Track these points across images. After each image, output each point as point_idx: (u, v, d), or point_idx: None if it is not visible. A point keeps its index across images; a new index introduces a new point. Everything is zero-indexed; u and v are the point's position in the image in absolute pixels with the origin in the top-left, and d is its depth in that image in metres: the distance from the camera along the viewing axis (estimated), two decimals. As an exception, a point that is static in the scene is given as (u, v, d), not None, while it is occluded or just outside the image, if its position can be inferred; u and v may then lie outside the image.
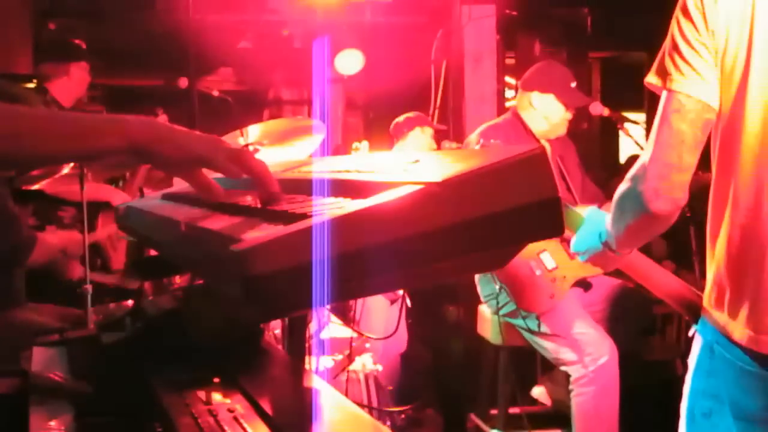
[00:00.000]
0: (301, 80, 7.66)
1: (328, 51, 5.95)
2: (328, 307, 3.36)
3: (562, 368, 3.63)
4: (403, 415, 3.90)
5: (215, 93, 5.29)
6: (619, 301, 3.85)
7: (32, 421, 1.40)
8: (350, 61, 6.33)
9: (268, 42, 7.00)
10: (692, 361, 1.87)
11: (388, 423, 3.73)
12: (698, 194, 1.87)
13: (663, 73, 1.76)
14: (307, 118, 6.34)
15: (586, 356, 3.48)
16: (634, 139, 4.01)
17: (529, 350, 3.84)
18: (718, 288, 1.79)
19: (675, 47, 1.74)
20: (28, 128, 1.11)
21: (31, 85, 4.34)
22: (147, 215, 1.54)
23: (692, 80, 1.71)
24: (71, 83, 4.22)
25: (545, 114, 3.88)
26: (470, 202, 0.88)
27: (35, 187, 3.58)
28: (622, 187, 1.83)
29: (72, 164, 3.36)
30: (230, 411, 1.27)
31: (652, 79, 1.78)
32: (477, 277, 3.86)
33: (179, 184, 1.97)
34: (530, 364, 4.40)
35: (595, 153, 7.20)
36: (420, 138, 4.98)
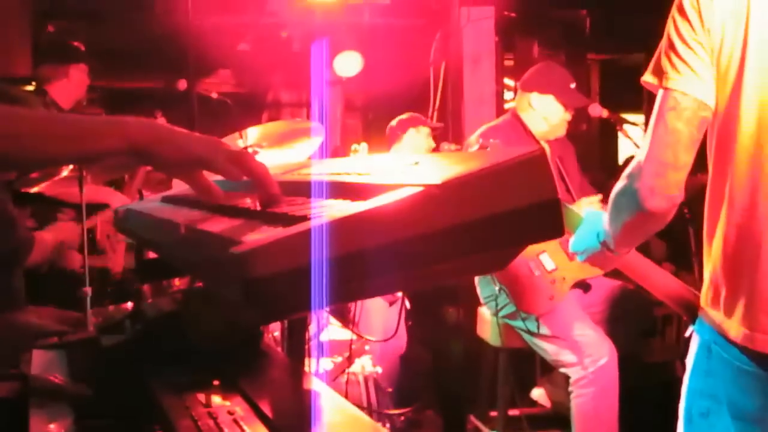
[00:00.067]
0: (300, 82, 7.66)
1: (327, 53, 5.95)
2: (328, 309, 3.36)
3: (562, 370, 3.63)
4: (402, 417, 3.91)
5: (214, 95, 5.29)
6: (619, 302, 3.85)
7: (32, 424, 1.39)
8: (349, 63, 6.33)
9: (266, 44, 7.00)
10: (690, 361, 1.87)
11: (388, 425, 3.74)
12: (697, 196, 1.87)
13: (659, 72, 1.77)
14: (306, 120, 6.33)
15: (585, 358, 3.48)
16: (633, 141, 4.01)
17: (528, 352, 3.84)
18: (714, 287, 1.80)
19: (671, 46, 1.75)
20: (28, 130, 1.11)
21: (30, 88, 4.34)
22: (146, 217, 1.54)
23: (688, 78, 1.72)
24: (70, 85, 4.22)
25: (545, 115, 3.89)
26: (470, 204, 0.88)
27: (34, 189, 3.58)
28: (619, 185, 1.84)
29: (71, 167, 3.36)
30: (230, 413, 1.27)
31: (648, 78, 1.80)
32: (477, 278, 3.86)
33: (178, 187, 1.97)
34: (530, 365, 4.40)
35: (594, 154, 7.20)
36: (415, 139, 4.99)
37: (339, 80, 6.87)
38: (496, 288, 3.62)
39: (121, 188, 4.75)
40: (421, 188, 0.87)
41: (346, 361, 3.69)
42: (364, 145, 4.69)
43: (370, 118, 7.81)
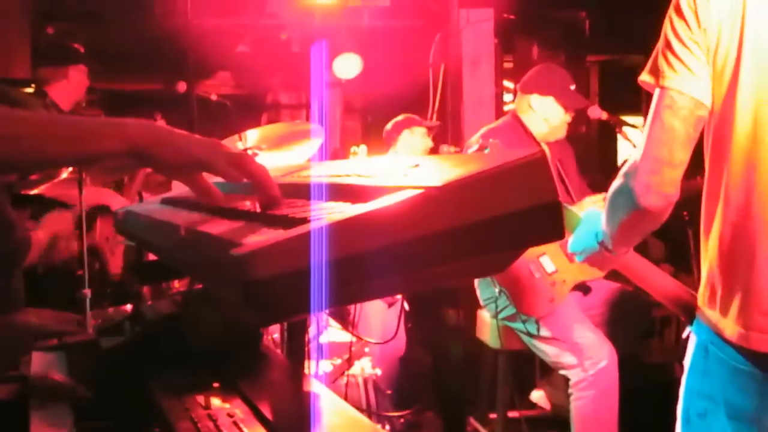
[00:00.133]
0: (300, 84, 7.66)
1: (326, 55, 5.95)
2: (327, 311, 3.36)
3: (562, 372, 3.62)
4: (402, 419, 3.91)
5: (213, 97, 5.30)
6: (618, 304, 3.85)
7: (33, 427, 1.39)
8: (348, 65, 6.33)
9: (266, 46, 7.00)
10: (687, 361, 1.88)
11: (388, 427, 3.73)
12: (696, 198, 1.88)
13: (656, 71, 1.78)
14: (306, 122, 6.33)
15: (586, 360, 3.48)
16: (632, 143, 4.01)
17: (528, 354, 3.84)
18: (710, 286, 1.80)
19: (668, 45, 1.76)
20: (27, 132, 1.11)
21: (30, 90, 4.34)
22: (146, 219, 1.54)
23: (684, 77, 1.73)
24: (70, 86, 4.22)
25: (545, 116, 3.89)
26: (470, 206, 0.88)
27: (34, 191, 3.58)
28: (615, 183, 1.85)
29: (71, 169, 3.36)
30: (230, 415, 1.27)
31: (645, 77, 1.81)
32: (476, 280, 3.85)
33: (178, 189, 1.97)
34: (529, 367, 4.39)
35: (594, 156, 7.20)
36: (410, 140, 4.99)
37: (338, 82, 6.87)
38: (496, 290, 3.62)
39: (120, 190, 4.75)
40: (421, 190, 0.87)
41: (346, 363, 3.70)
42: (363, 147, 4.69)
43: (370, 120, 7.81)
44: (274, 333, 3.28)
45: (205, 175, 1.13)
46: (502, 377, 3.87)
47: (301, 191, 1.15)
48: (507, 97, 6.96)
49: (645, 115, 7.01)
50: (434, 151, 5.03)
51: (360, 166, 1.25)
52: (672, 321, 5.02)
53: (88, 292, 3.31)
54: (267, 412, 1.25)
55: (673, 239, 4.61)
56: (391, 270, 0.86)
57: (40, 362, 1.76)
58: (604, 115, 3.83)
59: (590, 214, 2.09)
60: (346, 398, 3.42)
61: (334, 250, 0.83)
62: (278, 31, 6.75)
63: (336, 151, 7.18)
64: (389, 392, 3.99)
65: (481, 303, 3.87)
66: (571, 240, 2.13)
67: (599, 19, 6.78)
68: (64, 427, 1.39)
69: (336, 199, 1.02)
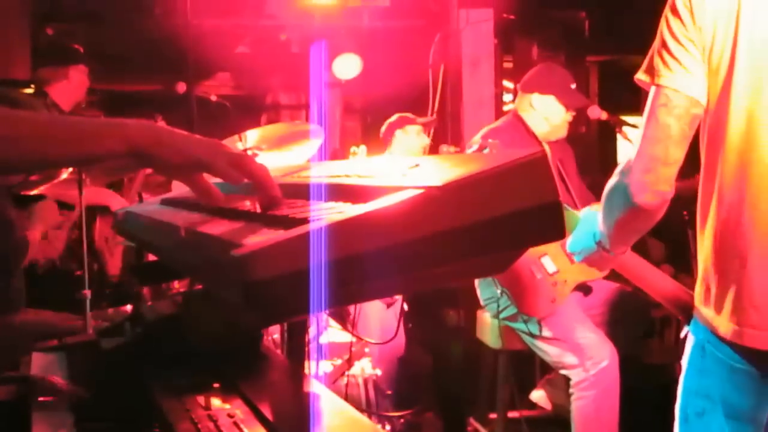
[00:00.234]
0: (299, 85, 7.66)
1: (326, 55, 5.95)
2: (327, 311, 3.36)
3: (563, 372, 3.62)
4: (402, 420, 3.90)
5: (213, 98, 5.29)
6: (618, 304, 3.85)
7: (34, 427, 1.39)
8: (348, 66, 6.33)
9: (265, 47, 7.00)
10: (685, 361, 1.89)
11: (388, 427, 3.73)
12: (695, 197, 1.88)
13: (651, 70, 1.79)
14: (305, 122, 6.33)
15: (587, 360, 3.48)
16: (632, 143, 4.00)
17: (528, 354, 3.84)
18: (705, 284, 1.81)
19: (663, 44, 1.77)
20: (28, 132, 1.11)
21: (30, 90, 4.34)
22: (146, 220, 1.54)
23: (679, 75, 1.74)
24: (70, 86, 4.22)
25: (546, 115, 3.89)
26: (471, 206, 0.88)
27: (34, 192, 3.58)
28: (611, 181, 1.86)
29: (71, 169, 3.36)
30: (230, 416, 1.27)
31: (641, 75, 1.82)
32: (477, 280, 3.85)
33: (178, 189, 1.97)
34: (529, 367, 4.39)
35: (593, 157, 7.19)
36: (405, 139, 5.00)
37: (338, 83, 6.87)
38: (498, 291, 3.62)
39: (120, 191, 4.75)
40: (421, 190, 0.87)
41: (346, 364, 3.70)
42: (363, 148, 4.69)
43: (369, 120, 7.81)
44: (274, 333, 3.28)
45: (206, 175, 1.13)
46: (503, 377, 3.87)
47: (301, 192, 1.15)
48: (507, 97, 6.96)
49: (645, 115, 7.00)
50: (434, 149, 5.02)
51: (360, 166, 1.25)
52: (672, 321, 5.02)
53: (88, 292, 3.31)
54: (267, 413, 1.25)
55: (673, 239, 4.61)
56: (391, 270, 0.86)
57: (40, 363, 1.76)
58: (604, 115, 3.83)
59: (588, 215, 2.09)
60: (346, 399, 3.42)
61: (334, 251, 0.83)
62: (278, 32, 6.75)
63: (335, 151, 7.18)
64: (389, 392, 3.99)
65: (482, 303, 3.87)
66: (570, 240, 2.13)
67: (599, 19, 6.78)
68: (64, 428, 1.39)
69: (336, 199, 1.02)
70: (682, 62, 1.74)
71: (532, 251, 3.48)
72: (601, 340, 3.53)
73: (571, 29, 6.89)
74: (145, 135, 1.10)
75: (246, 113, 6.94)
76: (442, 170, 0.96)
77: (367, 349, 3.96)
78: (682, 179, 1.81)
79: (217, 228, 1.06)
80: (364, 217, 0.85)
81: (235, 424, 1.23)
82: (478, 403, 4.26)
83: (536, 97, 3.89)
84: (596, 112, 3.85)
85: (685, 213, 3.51)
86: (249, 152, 3.31)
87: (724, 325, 1.75)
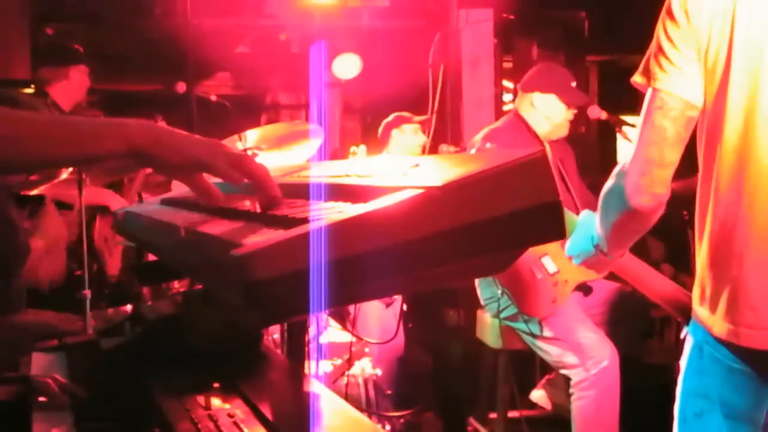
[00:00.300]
0: (299, 84, 7.66)
1: (326, 55, 5.95)
2: (327, 311, 3.36)
3: (563, 371, 3.62)
4: (402, 420, 3.90)
5: (213, 98, 5.29)
6: (618, 304, 3.85)
7: (34, 427, 1.40)
8: (348, 66, 6.33)
9: (265, 46, 7.00)
10: (683, 361, 1.89)
11: (388, 427, 3.73)
12: (696, 198, 1.88)
13: (647, 73, 1.80)
14: (305, 122, 6.33)
15: (587, 360, 3.48)
16: (632, 143, 4.00)
17: (528, 353, 3.84)
18: (701, 284, 1.82)
19: (659, 47, 1.78)
20: (28, 132, 1.11)
21: (30, 90, 4.33)
22: (146, 220, 1.53)
23: (675, 78, 1.75)
24: (71, 86, 4.22)
25: (547, 114, 3.89)
26: (471, 206, 0.88)
27: (34, 192, 3.58)
28: (607, 184, 1.87)
29: (71, 169, 3.36)
30: (230, 416, 1.27)
31: (637, 78, 1.84)
32: (477, 280, 3.85)
33: (177, 189, 1.97)
34: (529, 367, 4.39)
35: (593, 157, 7.19)
36: (401, 138, 5.00)
37: (338, 82, 6.87)
38: (498, 291, 3.62)
39: (120, 191, 4.75)
40: (421, 190, 0.87)
41: (346, 364, 3.70)
42: (362, 147, 4.69)
43: (369, 120, 7.81)
44: (274, 333, 3.28)
45: (205, 175, 1.13)
46: (503, 377, 3.86)
47: (301, 191, 1.15)
48: (506, 97, 6.96)
49: (644, 115, 6.99)
50: (433, 149, 5.02)
51: (360, 166, 1.25)
52: (672, 321, 5.02)
53: (88, 293, 3.30)
54: (267, 413, 1.25)
55: (674, 239, 4.60)
56: (391, 270, 0.86)
57: (40, 363, 1.76)
58: (604, 115, 3.83)
59: (586, 218, 2.09)
60: (346, 399, 3.42)
61: (334, 251, 0.83)
62: (277, 32, 6.75)
63: (335, 151, 7.18)
64: (389, 392, 3.99)
65: (482, 303, 3.87)
66: (568, 244, 2.14)
67: (599, 19, 6.77)
68: (64, 428, 1.39)
69: (336, 199, 1.02)
70: (677, 65, 1.75)
71: (533, 251, 3.49)
72: (602, 340, 3.53)
73: (570, 29, 6.89)
74: (145, 135, 1.10)
75: (246, 113, 6.93)
76: (442, 170, 0.96)
77: (367, 349, 3.96)
78: (682, 179, 1.82)
79: (217, 228, 1.06)
80: (364, 217, 0.85)
81: (235, 424, 1.23)
82: (478, 403, 4.26)
83: (537, 96, 3.89)
84: (596, 112, 3.85)
85: (685, 213, 3.50)
86: (249, 152, 3.30)
87: (719, 325, 1.75)
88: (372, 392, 3.77)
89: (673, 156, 1.77)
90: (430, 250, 0.87)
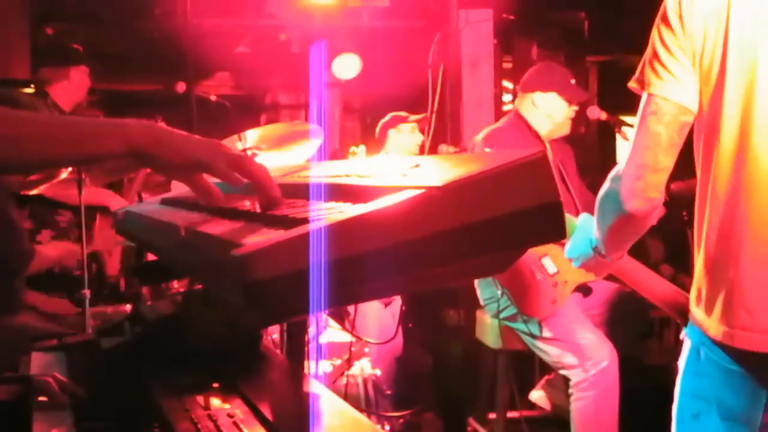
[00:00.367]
0: (299, 85, 7.66)
1: (326, 55, 5.95)
2: (327, 311, 3.36)
3: (562, 372, 3.62)
4: (402, 420, 3.90)
5: (213, 98, 5.29)
6: (617, 305, 3.85)
7: (35, 427, 1.39)
8: (347, 66, 6.33)
9: (265, 46, 7.00)
10: (681, 362, 1.90)
11: (388, 427, 3.73)
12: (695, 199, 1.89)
13: (643, 78, 1.82)
14: (305, 122, 6.33)
15: (587, 360, 3.48)
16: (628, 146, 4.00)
17: (527, 354, 3.84)
18: (698, 286, 1.82)
19: (654, 53, 1.80)
20: (28, 132, 1.11)
21: (30, 90, 4.33)
22: (146, 220, 1.53)
23: (669, 84, 1.76)
24: (71, 87, 4.22)
25: (549, 113, 3.90)
26: (471, 206, 0.88)
27: (33, 192, 3.58)
28: (603, 188, 1.88)
29: (70, 169, 3.36)
30: (230, 416, 1.27)
31: (633, 83, 1.86)
32: (477, 280, 3.85)
33: (177, 189, 1.97)
34: (529, 368, 4.39)
35: (593, 157, 7.20)
36: (398, 138, 5.01)
37: (337, 83, 6.87)
38: (498, 291, 3.62)
39: (120, 191, 4.75)
40: (421, 191, 0.87)
41: (346, 364, 3.70)
42: (362, 148, 4.69)
43: (369, 120, 7.80)
44: (273, 333, 3.28)
45: (205, 175, 1.13)
46: (502, 377, 3.87)
47: (301, 192, 1.15)
48: (506, 97, 6.96)
49: (644, 115, 6.99)
50: (433, 149, 5.02)
51: (360, 166, 1.25)
52: (671, 322, 5.02)
53: (87, 292, 3.30)
54: (267, 413, 1.25)
55: (673, 240, 4.60)
56: (391, 270, 0.86)
57: (40, 363, 1.76)
58: (604, 116, 3.83)
59: (585, 221, 2.10)
60: (345, 399, 3.42)
61: (334, 251, 0.83)
62: (277, 32, 6.75)
63: (335, 151, 7.18)
64: (389, 392, 4.00)
65: (482, 303, 3.87)
66: (567, 246, 2.14)
67: (598, 19, 6.77)
68: (64, 428, 1.39)
69: (336, 199, 1.02)
70: (671, 71, 1.76)
71: (533, 252, 3.49)
72: (601, 341, 3.53)
73: (570, 29, 6.89)
74: (145, 135, 1.10)
75: (245, 113, 6.93)
76: (442, 170, 0.96)
77: (366, 349, 3.96)
78: (682, 180, 1.83)
79: (217, 228, 1.06)
80: (364, 217, 0.85)
81: (235, 424, 1.23)
82: (478, 404, 4.26)
83: (538, 96, 3.90)
84: (596, 113, 3.85)
85: (684, 214, 3.50)
86: (248, 152, 3.30)
87: (714, 327, 1.76)
88: (371, 392, 3.77)
89: (667, 161, 1.79)
90: (431, 251, 0.87)
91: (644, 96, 1.80)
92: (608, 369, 3.48)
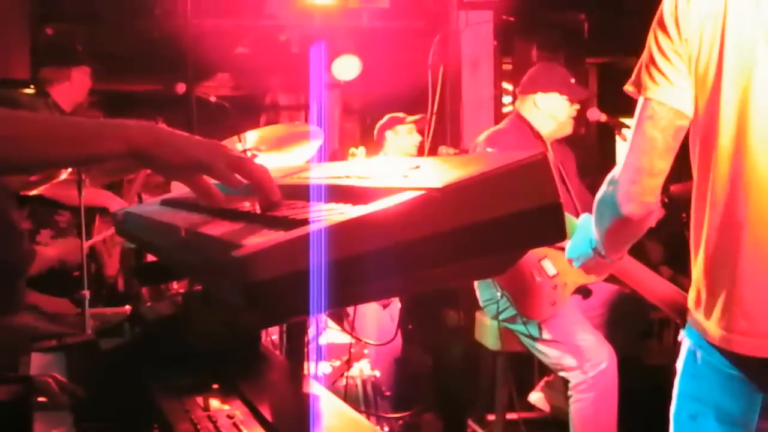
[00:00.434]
0: (298, 85, 7.65)
1: (325, 56, 5.95)
2: (326, 312, 3.36)
3: (562, 374, 3.63)
4: (401, 421, 3.90)
5: (212, 98, 5.29)
6: (617, 306, 3.85)
7: (35, 427, 1.40)
8: (347, 67, 6.32)
9: (265, 47, 6.99)
10: (679, 364, 1.90)
11: (387, 428, 3.73)
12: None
13: (638, 83, 1.83)
14: (305, 123, 6.33)
15: (586, 362, 3.48)
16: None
17: (526, 355, 3.84)
18: (697, 289, 1.82)
19: (650, 57, 1.81)
20: (29, 132, 1.11)
21: (29, 90, 4.33)
22: (146, 221, 1.54)
23: (665, 88, 1.77)
24: (73, 87, 4.22)
25: (552, 113, 3.90)
26: (471, 207, 0.88)
27: (33, 192, 3.58)
28: (600, 191, 1.89)
29: (70, 170, 3.36)
30: (229, 417, 1.27)
31: (629, 87, 1.86)
32: (476, 282, 3.85)
33: (177, 190, 1.97)
34: (528, 369, 4.39)
35: (593, 159, 7.20)
36: (395, 140, 5.02)
37: (337, 83, 6.86)
38: (498, 293, 3.62)
39: (119, 192, 4.75)
40: (422, 192, 0.87)
41: (345, 365, 3.69)
42: (362, 149, 4.70)
43: (368, 121, 7.79)
44: (273, 334, 3.28)
45: (206, 176, 1.13)
46: (501, 379, 3.87)
47: (301, 193, 1.15)
48: (506, 99, 6.96)
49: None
50: (433, 150, 5.02)
51: (360, 167, 1.25)
52: (670, 323, 5.01)
53: (87, 293, 3.30)
54: (267, 414, 1.25)
55: (673, 242, 4.61)
56: (391, 272, 0.86)
57: (40, 363, 1.76)
58: (603, 117, 3.84)
59: (585, 221, 2.10)
60: (345, 400, 3.42)
61: (334, 252, 0.83)
62: (277, 32, 6.74)
63: (335, 152, 7.18)
64: (389, 394, 3.99)
65: (481, 304, 3.87)
66: (568, 246, 2.15)
67: (598, 21, 6.77)
68: (64, 428, 1.39)
69: (337, 200, 1.02)
70: (667, 75, 1.77)
71: (533, 254, 3.50)
72: (600, 343, 3.53)
73: (570, 31, 6.88)
74: (146, 135, 1.10)
75: (245, 114, 6.93)
76: (442, 172, 0.96)
77: (366, 351, 3.96)
78: (681, 182, 1.83)
79: (218, 229, 1.06)
80: (364, 219, 0.85)
81: (235, 425, 1.23)
82: (477, 405, 4.26)
83: (540, 97, 3.90)
84: (595, 114, 3.86)
85: (684, 215, 3.51)
86: (248, 153, 3.30)
87: (713, 330, 1.76)
88: (371, 393, 3.77)
89: (663, 165, 1.79)
90: (431, 252, 0.87)
91: (640, 100, 1.81)
92: (607, 371, 3.48)
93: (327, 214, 0.90)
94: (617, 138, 3.80)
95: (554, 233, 0.91)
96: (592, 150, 7.29)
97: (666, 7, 1.77)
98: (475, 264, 0.91)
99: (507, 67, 6.94)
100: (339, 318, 4.29)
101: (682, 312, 1.92)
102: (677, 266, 4.89)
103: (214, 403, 1.32)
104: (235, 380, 1.42)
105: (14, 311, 3.18)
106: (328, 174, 1.27)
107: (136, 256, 4.48)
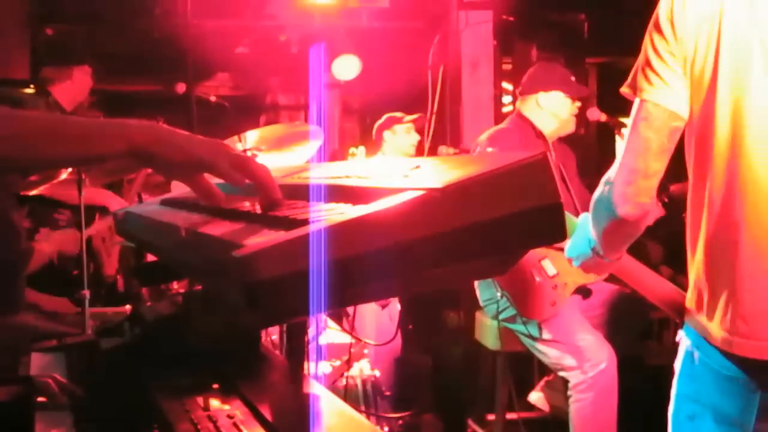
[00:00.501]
0: (298, 85, 7.65)
1: (325, 56, 5.95)
2: (326, 312, 3.36)
3: (561, 374, 3.63)
4: (401, 421, 3.90)
5: (212, 98, 5.29)
6: (617, 305, 3.85)
7: (36, 428, 1.40)
8: (347, 67, 6.32)
9: (265, 47, 6.99)
10: (677, 364, 1.90)
11: (387, 428, 3.73)
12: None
13: (634, 85, 1.83)
14: (304, 123, 6.33)
15: (585, 362, 3.48)
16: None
17: (526, 355, 3.84)
18: (697, 290, 1.83)
19: (646, 59, 1.81)
20: (30, 131, 1.11)
21: (30, 90, 4.33)
22: (146, 220, 1.53)
23: (660, 90, 1.78)
24: (74, 87, 4.22)
25: (554, 111, 3.90)
26: (472, 208, 0.88)
27: (33, 192, 3.58)
28: (597, 192, 1.89)
29: (70, 169, 3.36)
30: (229, 417, 1.27)
31: (625, 89, 1.87)
32: (476, 282, 3.85)
33: (177, 190, 1.97)
34: (528, 369, 4.39)
35: (593, 159, 7.20)
36: (393, 139, 5.02)
37: (337, 83, 6.86)
38: (498, 293, 3.63)
39: (119, 191, 4.75)
40: (422, 192, 0.87)
41: (345, 365, 3.69)
42: (361, 149, 4.70)
43: (368, 121, 7.79)
44: (273, 334, 3.28)
45: (206, 175, 1.13)
46: (501, 379, 3.87)
47: (302, 193, 1.15)
48: (506, 98, 6.96)
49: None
50: (433, 150, 5.03)
51: (360, 167, 1.25)
52: (670, 323, 5.01)
53: (86, 292, 3.30)
54: (267, 414, 1.25)
55: (672, 241, 4.60)
56: (392, 272, 0.86)
57: (40, 363, 1.76)
58: (603, 117, 3.84)
59: (584, 220, 2.11)
60: (345, 400, 3.42)
61: (334, 252, 0.83)
62: (277, 33, 6.74)
63: (334, 152, 7.18)
64: (388, 394, 3.99)
65: (481, 304, 3.87)
66: (568, 246, 2.15)
67: (598, 21, 6.77)
68: (64, 428, 1.39)
69: (337, 200, 1.02)
70: (663, 77, 1.77)
71: (533, 254, 3.50)
72: (600, 343, 3.54)
73: (570, 31, 6.89)
74: (147, 134, 1.10)
75: (245, 114, 6.93)
76: (442, 172, 0.96)
77: (366, 350, 3.96)
78: (681, 183, 1.83)
79: (218, 229, 1.06)
80: (364, 219, 0.85)
81: (235, 425, 1.23)
82: (477, 405, 4.26)
83: (542, 96, 3.90)
84: (595, 114, 3.86)
85: (684, 215, 3.51)
86: (248, 153, 3.31)
87: (715, 331, 1.77)
88: (371, 393, 3.77)
89: (658, 166, 1.80)
90: (431, 252, 0.87)
91: (636, 101, 1.82)
92: (607, 371, 3.48)
93: (327, 214, 0.90)
94: (617, 138, 3.80)
95: (555, 233, 0.91)
96: (592, 150, 7.28)
97: (662, 9, 1.78)
98: (476, 264, 0.91)
99: (507, 67, 6.94)
100: (339, 318, 4.29)
101: (681, 312, 1.93)
102: (677, 266, 4.88)
103: (214, 403, 1.32)
104: (235, 380, 1.42)
105: (14, 310, 3.18)
106: (328, 174, 1.27)
107: (136, 255, 4.49)
